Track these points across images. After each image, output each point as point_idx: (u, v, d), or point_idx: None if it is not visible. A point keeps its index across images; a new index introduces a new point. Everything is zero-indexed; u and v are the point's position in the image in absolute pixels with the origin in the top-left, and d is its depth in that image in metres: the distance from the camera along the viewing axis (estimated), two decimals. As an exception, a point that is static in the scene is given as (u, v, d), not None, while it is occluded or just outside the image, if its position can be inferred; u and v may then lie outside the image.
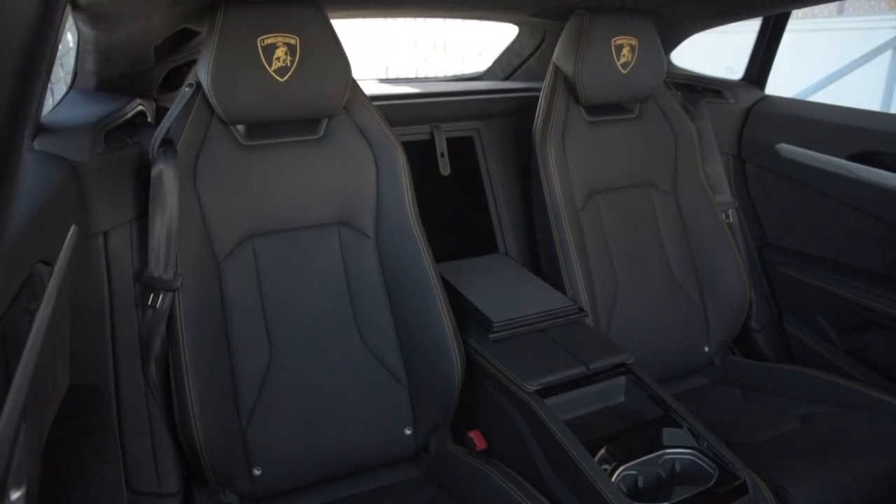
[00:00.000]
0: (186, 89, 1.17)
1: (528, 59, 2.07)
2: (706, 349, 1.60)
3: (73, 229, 0.91)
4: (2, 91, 0.24)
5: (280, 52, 1.16)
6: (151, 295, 1.11)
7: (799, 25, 1.69)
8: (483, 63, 2.23)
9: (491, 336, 1.30)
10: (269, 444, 1.17)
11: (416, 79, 2.17)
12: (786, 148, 1.71)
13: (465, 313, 1.38)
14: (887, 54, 4.60)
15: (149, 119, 1.32)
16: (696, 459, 1.07)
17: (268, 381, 1.19)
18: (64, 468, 0.79)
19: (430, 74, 2.32)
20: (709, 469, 1.05)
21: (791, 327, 1.77)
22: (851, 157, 1.56)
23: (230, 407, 1.16)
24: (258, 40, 1.14)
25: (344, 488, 1.24)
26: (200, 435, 1.08)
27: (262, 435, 1.17)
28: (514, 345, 1.29)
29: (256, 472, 1.16)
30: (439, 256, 1.33)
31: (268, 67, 1.15)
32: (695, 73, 1.99)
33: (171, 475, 1.13)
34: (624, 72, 1.52)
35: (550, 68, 1.58)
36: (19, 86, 0.25)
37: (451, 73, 2.25)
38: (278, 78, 1.16)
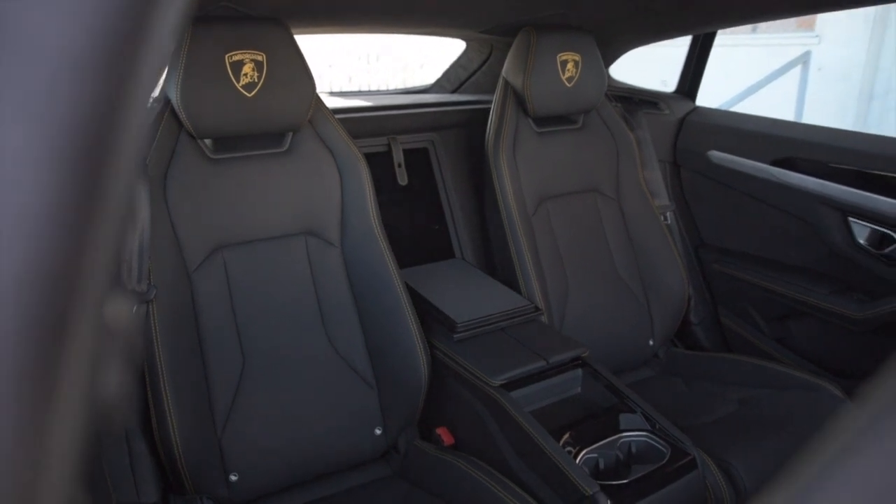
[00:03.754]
0: (154, 104, 1.20)
1: (475, 72, 2.16)
2: (651, 343, 1.72)
3: None
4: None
5: (247, 69, 1.20)
6: (124, 307, 1.12)
7: (721, 41, 1.85)
8: (424, 73, 2.30)
9: (455, 336, 1.36)
10: (245, 450, 1.20)
11: (369, 92, 2.23)
12: (716, 155, 1.86)
13: (429, 315, 1.44)
14: (797, 69, 4.97)
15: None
16: (650, 440, 1.17)
17: (241, 389, 1.22)
18: None
19: (373, 84, 2.37)
20: (662, 448, 1.15)
21: (726, 319, 1.92)
22: (774, 163, 1.72)
23: (206, 415, 1.18)
24: (226, 57, 1.18)
25: (319, 489, 1.28)
26: (178, 444, 1.10)
27: (237, 441, 1.20)
28: (477, 343, 1.36)
29: (233, 477, 1.19)
30: (399, 262, 1.39)
31: (236, 83, 1.19)
32: (633, 86, 2.13)
33: (149, 484, 1.14)
34: (569, 85, 1.63)
35: (500, 83, 1.67)
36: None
37: (392, 82, 2.31)
38: (246, 93, 1.20)
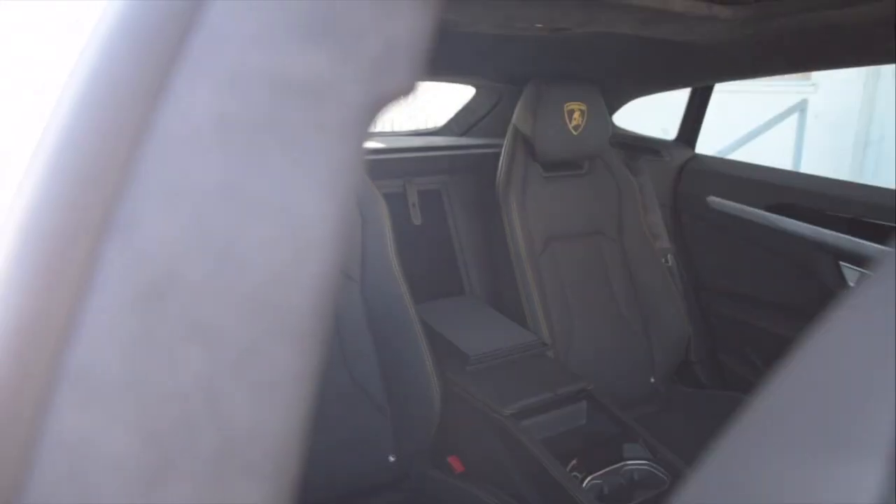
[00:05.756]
0: None
1: (484, 117, 2.28)
2: (652, 380, 1.79)
3: None
4: None
5: None
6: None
7: (720, 87, 1.98)
8: (429, 109, 2.42)
9: (468, 368, 1.44)
10: None
11: (383, 133, 2.34)
12: (715, 200, 1.96)
13: (442, 348, 1.51)
14: (795, 116, 5.13)
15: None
16: (651, 469, 1.23)
17: None
18: None
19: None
20: (663, 476, 1.21)
21: (725, 358, 1.99)
22: (769, 208, 1.81)
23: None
24: None
25: None
26: None
27: None
28: (488, 375, 1.44)
29: (255, 499, 1.25)
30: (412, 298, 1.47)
31: None
32: (636, 133, 2.24)
33: None
34: (575, 133, 1.74)
35: (510, 129, 1.78)
36: None
37: (398, 117, 2.43)
38: None
